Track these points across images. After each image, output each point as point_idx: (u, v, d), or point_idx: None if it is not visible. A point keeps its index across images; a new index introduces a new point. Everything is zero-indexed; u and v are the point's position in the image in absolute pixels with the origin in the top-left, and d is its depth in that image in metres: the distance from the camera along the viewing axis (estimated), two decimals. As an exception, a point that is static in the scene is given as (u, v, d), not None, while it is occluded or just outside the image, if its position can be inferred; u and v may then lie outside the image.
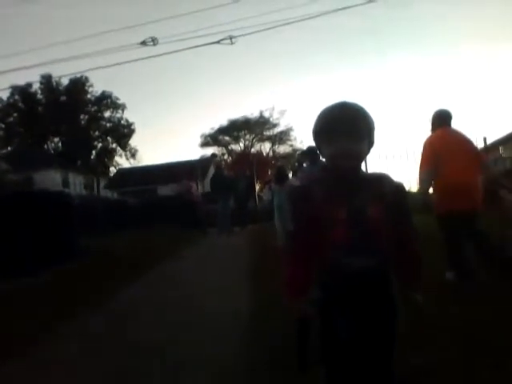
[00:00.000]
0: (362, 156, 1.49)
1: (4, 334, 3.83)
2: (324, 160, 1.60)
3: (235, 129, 46.26)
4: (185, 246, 9.81)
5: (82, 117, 46.36)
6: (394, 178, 1.54)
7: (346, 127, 1.43)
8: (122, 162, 47.46)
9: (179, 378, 2.77)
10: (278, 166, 11.97)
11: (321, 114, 1.52)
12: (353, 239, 1.41)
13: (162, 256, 8.55)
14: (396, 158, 17.15)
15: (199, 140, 46.82)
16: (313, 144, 1.62)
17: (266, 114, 45.50)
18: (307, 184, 1.58)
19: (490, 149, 19.43)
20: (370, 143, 1.51)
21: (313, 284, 1.51)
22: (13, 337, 3.77)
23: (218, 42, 11.54)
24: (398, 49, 70.73)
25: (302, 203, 1.49)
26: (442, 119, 4.51)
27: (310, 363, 1.50)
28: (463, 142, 4.39)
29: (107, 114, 47.53)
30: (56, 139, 46.38)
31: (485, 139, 18.24)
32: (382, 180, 1.53)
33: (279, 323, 2.96)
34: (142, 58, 13.67)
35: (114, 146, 47.86)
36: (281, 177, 8.50)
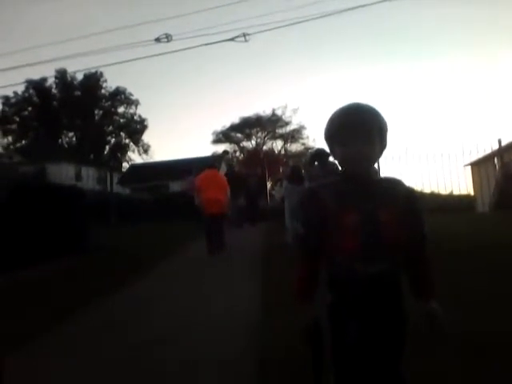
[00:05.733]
0: (374, 159, 1.47)
1: (16, 321, 3.95)
2: (336, 162, 1.59)
3: (247, 126, 46.21)
4: (194, 242, 9.83)
5: (95, 112, 46.74)
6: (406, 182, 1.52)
7: (358, 129, 1.41)
8: (135, 157, 47.84)
9: (182, 376, 2.78)
10: (292, 166, 11.91)
11: (333, 116, 1.50)
12: (364, 243, 1.39)
13: (172, 252, 8.65)
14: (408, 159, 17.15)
15: (211, 137, 46.93)
16: (323, 145, 1.61)
17: (279, 112, 45.49)
18: (317, 187, 1.56)
19: (505, 151, 19.16)
20: (383, 146, 1.49)
21: (320, 288, 1.50)
22: (24, 324, 3.87)
23: (232, 40, 11.55)
24: (413, 49, 69.98)
25: (313, 207, 1.47)
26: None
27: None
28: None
29: (121, 109, 48.01)
30: (70, 134, 46.84)
31: (499, 141, 18.05)
32: (394, 184, 1.51)
33: (286, 325, 2.96)
34: (156, 55, 13.77)
35: (127, 141, 48.25)
36: (295, 176, 8.46)
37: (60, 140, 45.30)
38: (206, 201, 7.90)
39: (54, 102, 45.00)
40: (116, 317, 4.26)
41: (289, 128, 46.09)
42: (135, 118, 47.78)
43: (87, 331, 3.79)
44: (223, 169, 26.43)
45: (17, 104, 43.96)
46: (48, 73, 44.54)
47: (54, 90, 45.31)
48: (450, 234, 8.41)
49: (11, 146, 41.90)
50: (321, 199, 1.45)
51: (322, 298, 1.48)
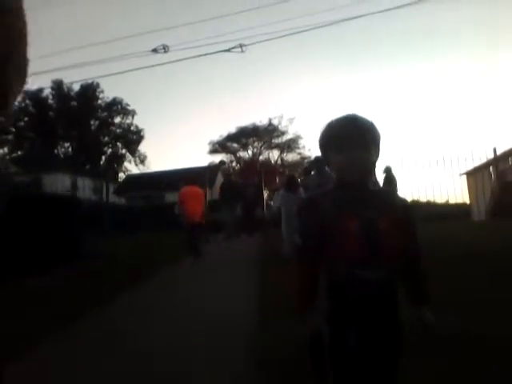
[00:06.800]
0: (370, 167, 1.49)
1: (16, 331, 3.89)
2: (331, 171, 1.61)
3: (244, 136, 46.32)
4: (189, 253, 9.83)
5: (92, 122, 46.72)
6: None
7: (354, 137, 1.43)
8: (131, 167, 47.77)
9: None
10: (288, 175, 11.96)
11: (329, 124, 1.52)
12: (364, 250, 1.40)
13: (170, 262, 8.63)
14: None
15: (207, 147, 46.98)
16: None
17: (275, 122, 45.64)
18: (315, 195, 1.58)
19: (500, 159, 19.28)
20: (376, 156, 1.51)
21: (319, 296, 1.49)
22: (24, 334, 3.82)
23: (228, 50, 11.62)
24: (407, 58, 70.66)
25: (311, 215, 1.47)
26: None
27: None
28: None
29: (117, 119, 47.90)
30: (66, 144, 46.76)
31: (494, 150, 18.18)
32: (391, 194, 1.57)
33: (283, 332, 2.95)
34: (153, 65, 13.80)
35: (123, 151, 48.17)
36: (291, 184, 8.49)
37: (56, 150, 45.18)
38: (186, 212, 8.95)
39: (50, 113, 44.95)
40: (117, 324, 4.27)
41: (285, 138, 46.29)
42: (132, 128, 47.76)
43: (87, 340, 3.78)
44: (219, 179, 26.49)
45: (13, 114, 43.90)
46: (44, 83, 44.64)
47: (50, 101, 45.29)
48: (447, 240, 8.44)
49: (7, 157, 41.77)
50: (319, 207, 1.46)
51: (320, 303, 1.48)
